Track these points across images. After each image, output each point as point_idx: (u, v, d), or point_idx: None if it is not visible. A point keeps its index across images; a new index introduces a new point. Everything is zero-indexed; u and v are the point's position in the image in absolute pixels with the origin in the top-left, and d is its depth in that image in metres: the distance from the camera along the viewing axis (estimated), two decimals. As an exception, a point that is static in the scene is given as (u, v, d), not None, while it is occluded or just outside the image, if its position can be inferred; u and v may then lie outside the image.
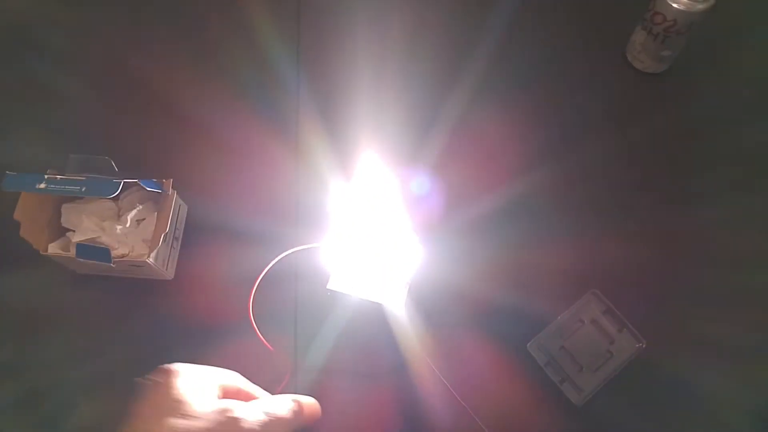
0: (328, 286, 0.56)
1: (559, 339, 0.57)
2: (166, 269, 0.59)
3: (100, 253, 0.55)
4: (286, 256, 0.58)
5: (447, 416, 0.54)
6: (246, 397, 0.45)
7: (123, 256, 0.57)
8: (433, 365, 0.54)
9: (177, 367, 0.41)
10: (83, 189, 0.54)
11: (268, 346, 0.55)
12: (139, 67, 0.73)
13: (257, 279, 0.57)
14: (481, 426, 0.53)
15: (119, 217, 0.59)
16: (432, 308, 0.58)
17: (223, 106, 0.69)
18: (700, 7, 0.62)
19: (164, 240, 0.57)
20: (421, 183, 0.63)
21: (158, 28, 0.76)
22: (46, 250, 0.56)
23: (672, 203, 0.65)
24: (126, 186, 0.58)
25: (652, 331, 0.57)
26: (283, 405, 0.43)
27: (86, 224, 0.57)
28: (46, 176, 0.54)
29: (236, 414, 0.39)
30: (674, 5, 0.62)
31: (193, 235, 0.63)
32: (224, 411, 0.39)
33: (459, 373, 0.56)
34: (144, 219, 0.59)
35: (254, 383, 0.56)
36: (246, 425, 0.39)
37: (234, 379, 0.45)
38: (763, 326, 0.58)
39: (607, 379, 0.55)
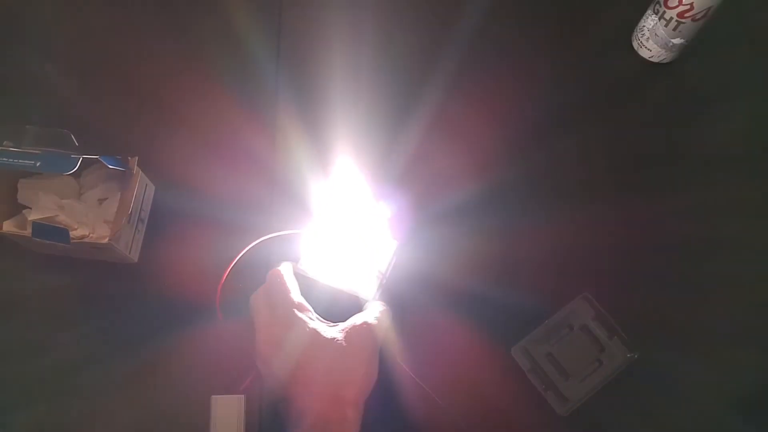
0: (299, 266, 0.52)
1: (546, 344, 0.53)
2: (130, 252, 0.55)
3: (58, 233, 0.51)
4: (262, 242, 0.54)
5: (421, 414, 0.51)
6: None
7: (83, 237, 0.53)
8: (405, 365, 0.50)
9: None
10: (38, 164, 0.50)
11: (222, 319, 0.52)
12: (110, 42, 0.68)
13: (229, 265, 0.52)
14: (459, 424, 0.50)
15: (80, 195, 0.56)
16: (409, 304, 0.55)
17: (198, 87, 0.65)
18: (718, -8, 0.57)
19: (128, 222, 0.53)
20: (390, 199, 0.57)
21: (134, 5, 0.71)
22: (1, 228, 0.52)
23: (674, 203, 0.61)
24: (88, 163, 0.54)
25: (646, 338, 0.53)
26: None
27: (44, 202, 0.53)
28: (-2, 148, 0.50)
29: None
30: (690, -12, 0.57)
31: (161, 218, 0.59)
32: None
33: (435, 374, 0.52)
34: (107, 199, 0.55)
35: (219, 376, 0.53)
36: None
37: None
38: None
39: (594, 390, 0.52)
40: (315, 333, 0.46)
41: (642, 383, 0.52)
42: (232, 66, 0.67)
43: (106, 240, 0.51)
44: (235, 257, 0.53)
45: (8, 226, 0.53)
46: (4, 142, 0.52)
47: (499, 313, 0.54)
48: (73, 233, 0.52)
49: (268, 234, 0.54)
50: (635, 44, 0.67)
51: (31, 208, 0.54)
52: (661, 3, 0.61)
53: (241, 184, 0.61)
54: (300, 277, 0.51)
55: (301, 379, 0.44)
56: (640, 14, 0.66)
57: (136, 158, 0.54)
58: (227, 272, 0.52)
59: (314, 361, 0.45)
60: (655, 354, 0.53)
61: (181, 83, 0.65)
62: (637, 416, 0.52)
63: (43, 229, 0.52)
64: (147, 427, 0.52)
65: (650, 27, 0.64)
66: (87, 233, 0.54)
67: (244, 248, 0.53)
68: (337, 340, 0.45)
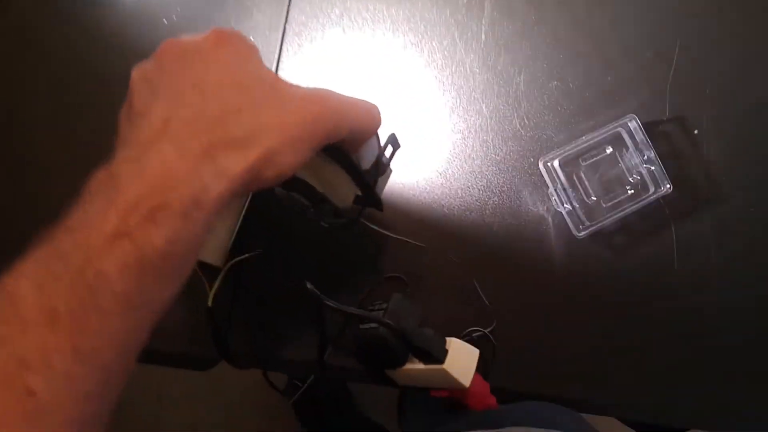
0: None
1: (575, 162, 0.49)
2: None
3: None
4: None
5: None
6: None
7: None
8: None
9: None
10: None
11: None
12: None
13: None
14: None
15: None
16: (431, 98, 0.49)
17: None
18: None
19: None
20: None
21: None
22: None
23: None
24: None
25: (687, 175, 0.49)
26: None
27: None
28: None
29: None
30: None
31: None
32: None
33: (451, 174, 0.49)
34: None
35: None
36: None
37: None
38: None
39: (617, 217, 0.48)
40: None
41: (672, 222, 0.49)
42: None
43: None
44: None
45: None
46: None
47: (536, 125, 0.49)
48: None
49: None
50: None
51: None
52: None
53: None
54: None
55: (175, 93, 0.28)
56: None
57: None
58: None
59: (212, 78, 0.28)
60: (690, 197, 0.49)
61: None
62: (657, 253, 0.48)
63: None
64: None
65: None
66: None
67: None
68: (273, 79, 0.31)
